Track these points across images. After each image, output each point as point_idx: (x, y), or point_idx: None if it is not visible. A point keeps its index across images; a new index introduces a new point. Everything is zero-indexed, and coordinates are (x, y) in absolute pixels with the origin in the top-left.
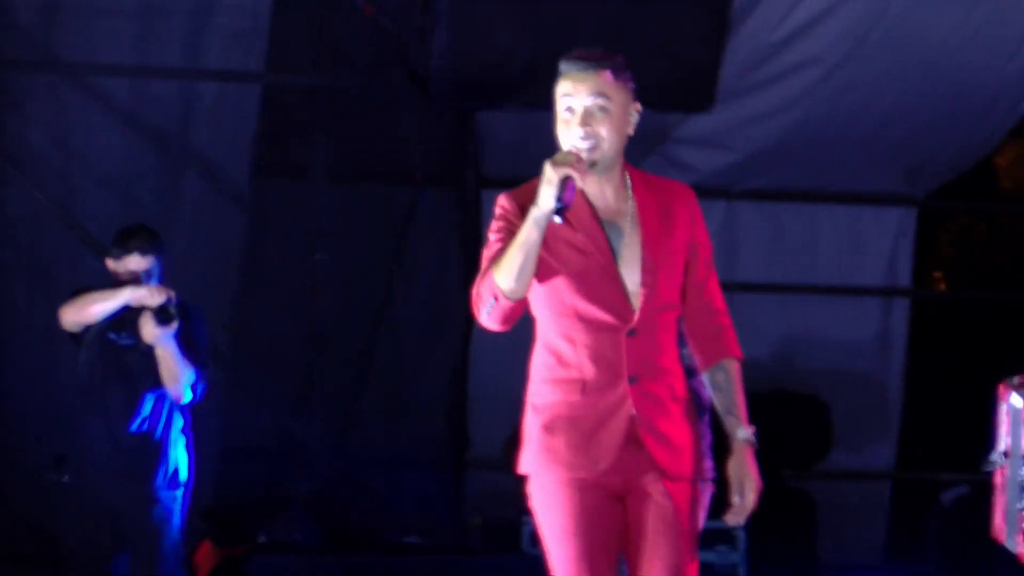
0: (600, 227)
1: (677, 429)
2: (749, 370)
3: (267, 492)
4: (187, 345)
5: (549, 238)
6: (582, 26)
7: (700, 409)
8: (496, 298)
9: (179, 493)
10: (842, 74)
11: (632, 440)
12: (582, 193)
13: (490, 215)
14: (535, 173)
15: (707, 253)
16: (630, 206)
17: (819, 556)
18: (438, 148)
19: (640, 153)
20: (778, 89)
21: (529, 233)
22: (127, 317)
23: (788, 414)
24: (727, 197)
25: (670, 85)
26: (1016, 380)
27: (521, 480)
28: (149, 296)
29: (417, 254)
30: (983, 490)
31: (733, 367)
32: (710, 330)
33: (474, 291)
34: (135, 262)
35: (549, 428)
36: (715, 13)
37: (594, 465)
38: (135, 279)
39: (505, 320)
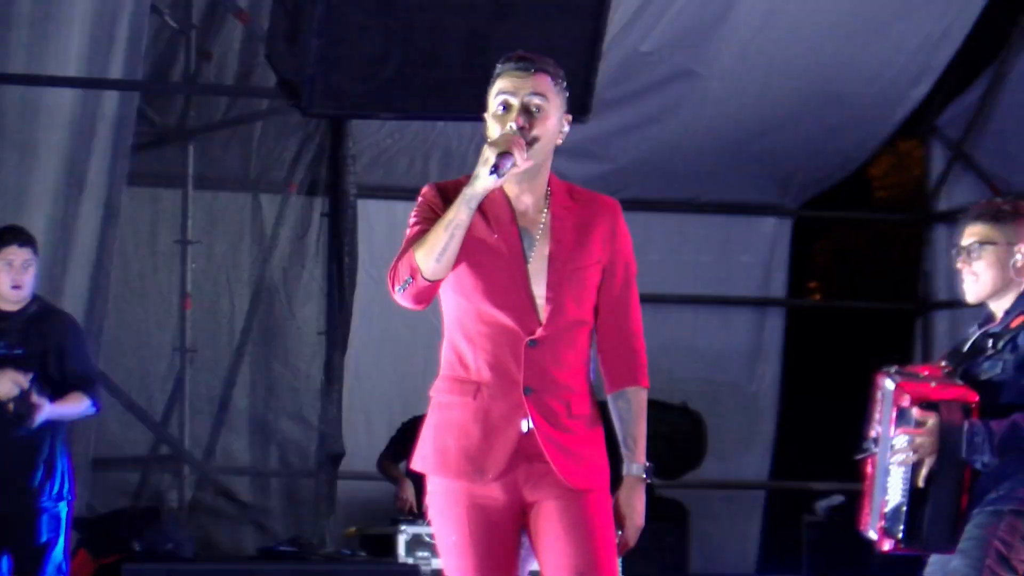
0: (517, 231)
1: (577, 442)
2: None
3: (139, 501)
4: (74, 376)
5: (467, 234)
6: (454, 36)
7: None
8: (413, 276)
9: (65, 504)
10: (714, 86)
11: (526, 453)
12: (504, 195)
13: (365, 223)
14: (407, 181)
15: (625, 271)
16: (545, 216)
17: (691, 565)
18: (310, 156)
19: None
20: (652, 100)
21: (458, 212)
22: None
23: (661, 424)
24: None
25: None
26: (893, 368)
27: (393, 490)
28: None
29: (289, 262)
30: (857, 499)
31: (637, 397)
32: (619, 353)
33: (391, 267)
34: (13, 252)
35: (442, 428)
36: (590, 23)
37: (481, 474)
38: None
39: (419, 299)
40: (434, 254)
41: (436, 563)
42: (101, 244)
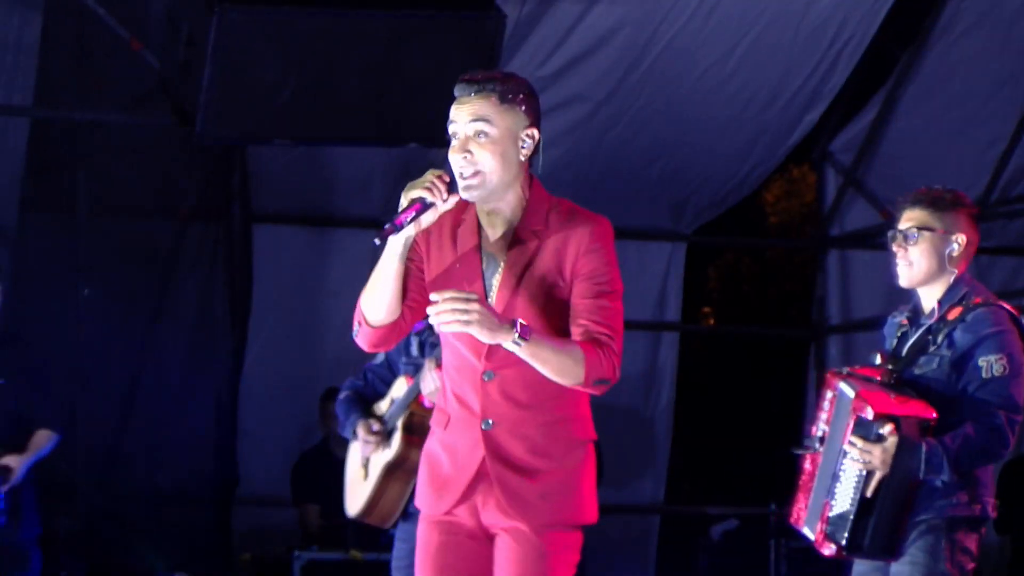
0: (479, 260)
1: (534, 480)
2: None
3: None
4: (36, 418)
5: (434, 260)
6: (349, 61)
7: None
8: (360, 323)
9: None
10: (606, 111)
11: (486, 484)
12: (476, 219)
13: (258, 250)
14: (303, 207)
15: (588, 283)
16: (510, 240)
17: None
18: (205, 183)
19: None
20: (545, 124)
21: (384, 263)
22: None
23: None
24: None
25: (438, 120)
26: (844, 370)
27: (290, 517)
28: None
29: (183, 288)
30: (751, 523)
31: (575, 346)
32: (581, 334)
33: (356, 310)
34: None
35: (423, 460)
36: (482, 49)
37: (439, 504)
38: None
39: (374, 344)
40: (372, 303)
41: None
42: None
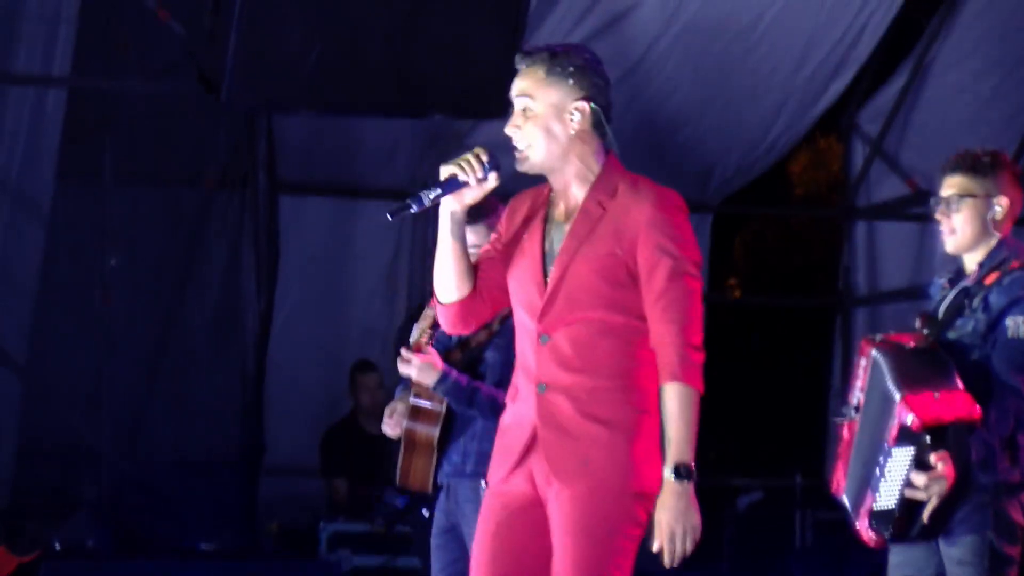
0: (542, 230)
1: (581, 444)
2: None
3: (58, 496)
4: None
5: (512, 239)
6: (374, 32)
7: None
8: (437, 302)
9: None
10: (632, 79)
11: (536, 449)
12: (547, 193)
13: (284, 219)
14: (328, 176)
15: (662, 263)
16: (576, 210)
17: None
18: (231, 151)
19: (435, 158)
20: None
21: (441, 240)
22: None
23: None
24: None
25: (463, 91)
26: (879, 337)
27: (316, 487)
28: None
29: (209, 257)
30: (776, 495)
31: (675, 393)
32: (660, 349)
33: None
34: None
35: (497, 434)
36: (508, 19)
37: (498, 471)
38: None
39: (452, 323)
40: (439, 280)
41: (357, 560)
42: (35, 240)
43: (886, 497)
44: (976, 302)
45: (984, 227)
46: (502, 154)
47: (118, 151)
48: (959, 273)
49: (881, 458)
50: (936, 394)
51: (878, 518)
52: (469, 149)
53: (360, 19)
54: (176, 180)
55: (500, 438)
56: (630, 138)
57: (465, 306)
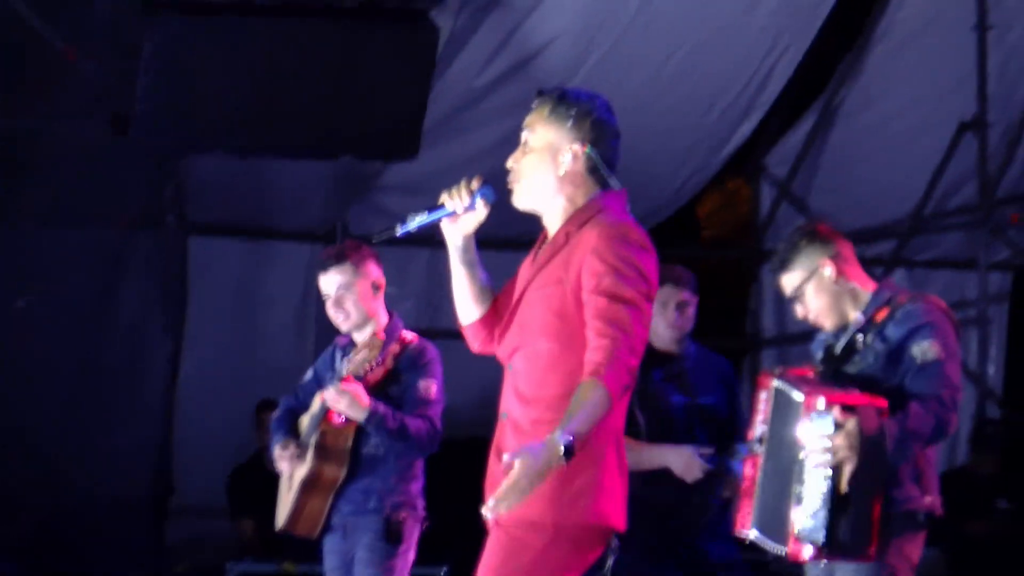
0: (531, 262)
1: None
2: (451, 416)
3: None
4: None
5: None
6: (286, 74)
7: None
8: (460, 323)
9: None
10: None
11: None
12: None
13: (195, 261)
14: (239, 217)
15: (600, 286)
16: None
17: None
18: (143, 193)
19: (345, 201)
20: (481, 134)
21: (451, 264)
22: None
23: (487, 459)
24: (431, 244)
25: (374, 133)
26: (777, 370)
27: (224, 528)
28: None
29: (120, 298)
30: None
31: (592, 388)
32: (588, 352)
33: None
34: None
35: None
36: (419, 60)
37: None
38: None
39: (475, 345)
40: (457, 303)
41: None
42: None
43: (811, 500)
44: (870, 339)
45: (832, 292)
46: (405, 194)
47: (31, 192)
48: (843, 325)
49: (797, 466)
50: (836, 389)
51: (808, 525)
52: (380, 190)
53: (272, 61)
54: (88, 221)
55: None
56: None
57: (485, 324)
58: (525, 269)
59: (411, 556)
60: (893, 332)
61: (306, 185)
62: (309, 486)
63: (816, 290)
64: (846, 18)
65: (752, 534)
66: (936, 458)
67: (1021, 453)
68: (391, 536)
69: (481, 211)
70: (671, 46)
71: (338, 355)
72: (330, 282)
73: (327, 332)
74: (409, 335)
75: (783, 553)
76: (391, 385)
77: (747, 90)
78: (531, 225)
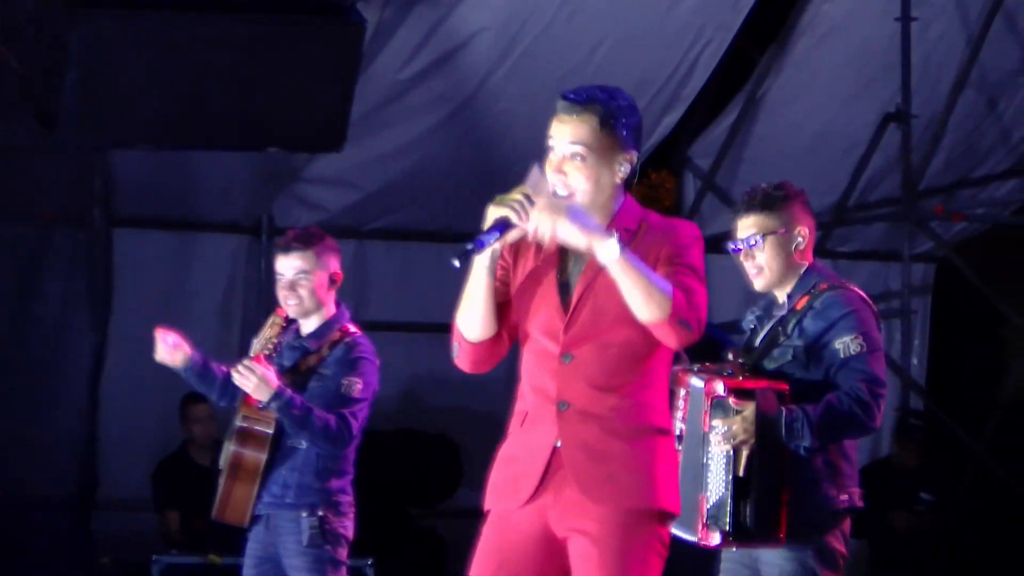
0: (557, 257)
1: (610, 461)
2: (375, 409)
3: None
4: None
5: (518, 270)
6: (211, 67)
7: None
8: (460, 341)
9: None
10: (468, 113)
11: (559, 473)
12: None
13: (121, 254)
14: (166, 212)
15: (670, 262)
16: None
17: None
18: (68, 187)
19: (271, 193)
20: (405, 128)
21: (473, 281)
22: None
23: (416, 453)
24: (357, 236)
25: (301, 127)
26: (695, 366)
27: (150, 522)
28: None
29: (45, 293)
30: None
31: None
32: None
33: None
34: None
35: (499, 461)
36: (344, 54)
37: (516, 496)
38: None
39: (474, 363)
40: (466, 320)
41: None
42: None
43: (716, 486)
44: (791, 328)
45: (789, 259)
46: (330, 187)
47: None
48: (770, 306)
49: (703, 452)
50: (742, 377)
51: (714, 512)
52: (306, 182)
53: (197, 55)
54: (12, 216)
55: (505, 466)
56: (465, 172)
57: (493, 345)
58: (550, 266)
59: (341, 554)
60: (812, 326)
61: (231, 178)
62: (233, 471)
63: (779, 247)
64: (770, 10)
65: (675, 531)
66: (856, 452)
67: (944, 445)
68: (314, 538)
69: (536, 223)
70: (595, 39)
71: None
72: (289, 265)
73: (252, 324)
74: (352, 328)
75: (695, 541)
76: (314, 375)
77: (671, 82)
78: (455, 218)
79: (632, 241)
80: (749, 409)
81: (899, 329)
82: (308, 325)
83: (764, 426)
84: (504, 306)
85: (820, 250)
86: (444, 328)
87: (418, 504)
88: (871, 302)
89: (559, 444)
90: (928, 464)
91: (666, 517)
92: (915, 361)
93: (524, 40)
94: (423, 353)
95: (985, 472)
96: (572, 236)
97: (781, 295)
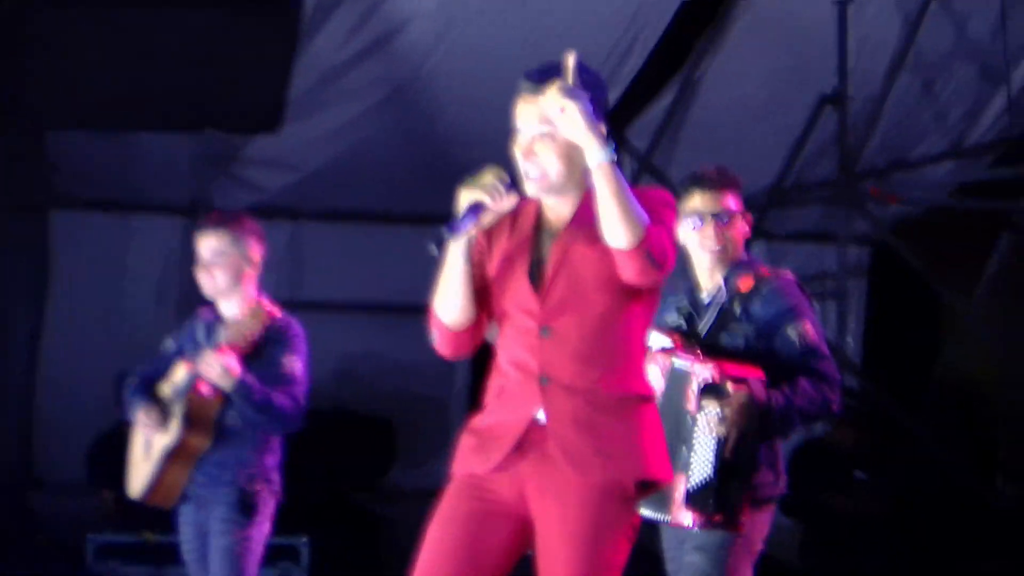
0: (531, 236)
1: (594, 433)
2: (315, 386)
3: None
4: None
5: (493, 250)
6: (151, 49)
7: None
8: (438, 327)
9: None
10: (404, 96)
11: (534, 445)
12: (536, 208)
13: (60, 236)
14: (104, 193)
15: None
16: (573, 214)
17: (381, 573)
18: (5, 169)
19: (208, 175)
20: (343, 109)
21: (447, 263)
22: None
23: (350, 432)
24: (294, 217)
25: (239, 108)
26: (656, 348)
27: (86, 501)
28: None
29: None
30: None
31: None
32: None
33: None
34: None
35: (468, 431)
36: (284, 35)
37: (482, 461)
38: None
39: (455, 348)
40: (443, 305)
41: (125, 571)
42: None
43: (700, 469)
44: (738, 312)
45: (731, 242)
46: (268, 168)
47: None
48: (692, 293)
49: (687, 434)
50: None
51: (698, 493)
52: (244, 163)
53: (136, 37)
54: None
55: (474, 435)
56: (401, 155)
57: (473, 330)
58: (523, 243)
59: (266, 528)
60: (760, 311)
61: (170, 159)
62: (173, 456)
63: (724, 229)
64: None
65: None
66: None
67: (879, 425)
68: (245, 508)
69: (511, 203)
70: (532, 21)
71: (199, 328)
72: (206, 246)
73: (190, 306)
74: (275, 310)
75: (665, 521)
76: (254, 359)
77: (608, 64)
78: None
79: (596, 218)
80: (742, 395)
81: (835, 310)
82: (228, 308)
83: (756, 415)
84: (483, 291)
85: (756, 231)
86: (381, 308)
87: (353, 483)
88: (805, 288)
89: (542, 418)
90: (863, 444)
91: (651, 485)
92: (851, 342)
93: (461, 22)
94: (359, 334)
95: (920, 452)
96: (575, 125)
97: (712, 280)
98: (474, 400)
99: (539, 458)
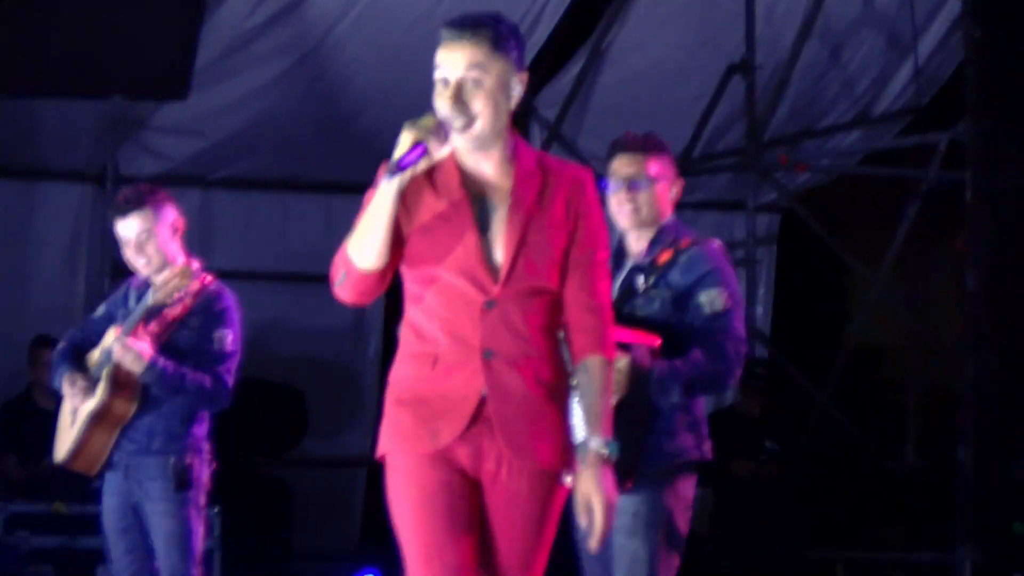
0: (466, 197)
1: (536, 414)
2: None
3: None
4: None
5: (412, 206)
6: (58, 15)
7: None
8: (348, 270)
9: None
10: (314, 62)
11: (483, 420)
12: (455, 163)
13: None
14: (9, 159)
15: (591, 241)
16: (508, 183)
17: (293, 543)
18: None
19: (115, 142)
20: (251, 76)
21: (379, 205)
22: None
23: (261, 401)
24: (202, 185)
25: (144, 73)
26: None
27: None
28: None
29: None
30: None
31: (597, 368)
32: (580, 324)
33: (333, 262)
34: None
35: (399, 403)
36: (189, 2)
37: (434, 438)
38: None
39: (360, 294)
40: (362, 248)
41: (36, 541)
42: None
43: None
44: (652, 279)
45: (664, 207)
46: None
47: None
48: (620, 253)
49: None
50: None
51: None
52: (151, 131)
53: (42, 4)
54: None
55: (413, 408)
56: (311, 121)
57: (382, 276)
58: (459, 204)
59: (202, 500)
60: (678, 279)
61: (75, 126)
62: (97, 419)
63: (656, 196)
64: None
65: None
66: (704, 403)
67: (787, 394)
68: (180, 482)
69: (445, 151)
70: None
71: (132, 295)
72: (130, 227)
73: (99, 272)
74: (207, 278)
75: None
76: (182, 331)
77: None
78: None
79: (541, 188)
80: (624, 361)
81: (743, 278)
82: (162, 279)
83: (635, 381)
84: (395, 242)
85: None
86: (292, 277)
87: (263, 452)
88: (729, 256)
89: (485, 394)
90: (771, 412)
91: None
92: (760, 310)
93: None
94: (268, 301)
95: (828, 420)
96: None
97: (638, 242)
98: (386, 369)
99: (486, 432)
